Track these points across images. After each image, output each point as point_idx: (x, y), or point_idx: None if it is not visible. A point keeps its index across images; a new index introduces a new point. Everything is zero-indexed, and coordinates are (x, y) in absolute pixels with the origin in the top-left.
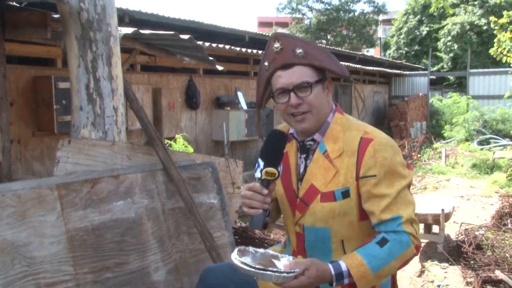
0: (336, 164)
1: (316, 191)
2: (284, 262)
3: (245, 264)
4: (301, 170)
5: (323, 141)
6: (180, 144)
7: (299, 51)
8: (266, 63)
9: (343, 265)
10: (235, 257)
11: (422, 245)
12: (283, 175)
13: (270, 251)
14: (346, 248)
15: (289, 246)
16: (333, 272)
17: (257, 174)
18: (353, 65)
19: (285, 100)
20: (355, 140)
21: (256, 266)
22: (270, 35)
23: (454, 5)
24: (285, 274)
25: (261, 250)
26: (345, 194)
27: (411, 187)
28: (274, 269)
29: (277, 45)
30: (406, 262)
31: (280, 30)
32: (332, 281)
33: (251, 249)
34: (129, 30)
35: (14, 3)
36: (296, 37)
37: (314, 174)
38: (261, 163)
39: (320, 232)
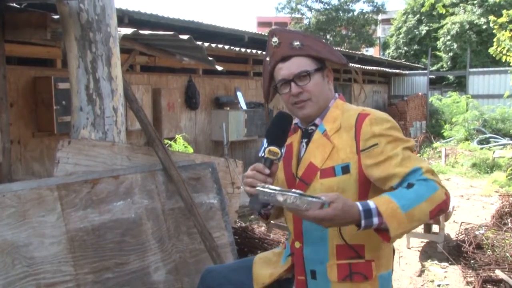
0: (334, 140)
1: (315, 169)
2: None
3: (269, 188)
4: (302, 153)
5: (322, 123)
6: (180, 144)
7: (296, 43)
8: (267, 58)
9: (371, 203)
10: (258, 186)
11: (422, 244)
12: (285, 164)
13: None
14: (342, 231)
15: (289, 237)
16: (360, 207)
17: (261, 153)
18: (352, 64)
19: (287, 90)
20: (352, 117)
21: (282, 189)
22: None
23: (454, 4)
24: (310, 198)
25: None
26: (345, 169)
27: None
28: (298, 191)
29: (275, 39)
30: (438, 208)
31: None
32: (360, 219)
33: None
34: (128, 30)
35: (14, 4)
36: (293, 31)
37: (312, 152)
38: (266, 143)
39: None
